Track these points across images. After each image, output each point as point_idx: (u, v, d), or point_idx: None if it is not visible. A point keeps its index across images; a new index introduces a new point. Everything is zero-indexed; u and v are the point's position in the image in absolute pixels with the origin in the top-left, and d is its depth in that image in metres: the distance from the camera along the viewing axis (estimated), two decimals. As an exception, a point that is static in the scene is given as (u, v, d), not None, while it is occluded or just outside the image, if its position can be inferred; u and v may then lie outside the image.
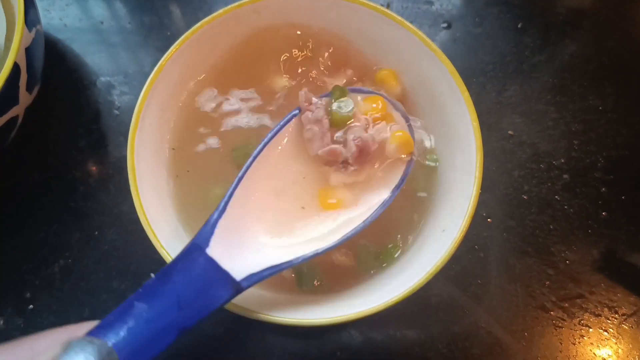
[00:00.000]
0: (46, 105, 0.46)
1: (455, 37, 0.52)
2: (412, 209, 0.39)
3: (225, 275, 0.30)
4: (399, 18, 0.39)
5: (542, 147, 0.48)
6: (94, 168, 0.46)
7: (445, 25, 0.52)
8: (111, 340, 0.24)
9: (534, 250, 0.45)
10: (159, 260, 0.43)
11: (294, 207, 0.35)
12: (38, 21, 0.41)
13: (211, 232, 0.31)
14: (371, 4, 0.40)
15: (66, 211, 0.44)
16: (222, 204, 0.32)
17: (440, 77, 0.39)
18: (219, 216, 0.32)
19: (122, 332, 0.25)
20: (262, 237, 0.33)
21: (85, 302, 0.42)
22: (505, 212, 0.47)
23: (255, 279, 0.31)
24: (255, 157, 0.34)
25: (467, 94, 0.37)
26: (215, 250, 0.31)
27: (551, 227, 0.46)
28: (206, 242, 0.31)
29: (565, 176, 0.48)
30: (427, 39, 0.39)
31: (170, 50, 0.38)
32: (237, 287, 0.30)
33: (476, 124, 0.37)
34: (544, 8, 0.54)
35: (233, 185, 0.34)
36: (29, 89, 0.40)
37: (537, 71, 0.51)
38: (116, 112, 0.48)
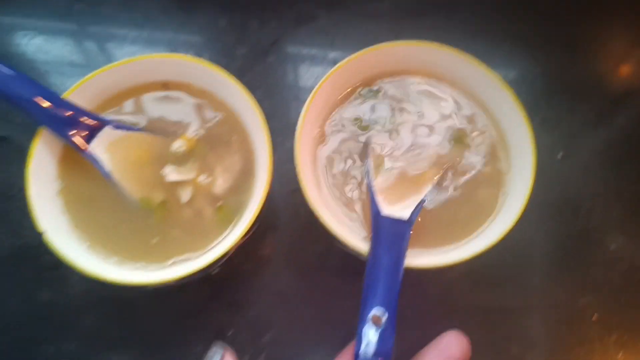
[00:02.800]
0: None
1: (570, 168, 0.65)
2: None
3: (400, 220, 0.50)
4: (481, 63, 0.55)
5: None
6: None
7: (560, 156, 0.66)
8: None
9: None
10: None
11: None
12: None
13: (376, 202, 0.51)
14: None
15: (272, 294, 0.59)
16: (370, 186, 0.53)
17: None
18: (373, 192, 0.52)
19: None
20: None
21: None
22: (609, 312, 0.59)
23: (415, 213, 0.51)
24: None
25: (527, 121, 0.53)
26: (385, 211, 0.51)
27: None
28: (378, 209, 0.51)
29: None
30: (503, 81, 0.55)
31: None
32: (410, 222, 0.50)
33: (532, 137, 0.52)
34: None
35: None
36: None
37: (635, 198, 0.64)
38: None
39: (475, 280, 0.59)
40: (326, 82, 0.55)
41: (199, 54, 0.60)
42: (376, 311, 0.42)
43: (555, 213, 0.62)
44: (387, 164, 0.55)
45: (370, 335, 0.41)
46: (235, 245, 0.50)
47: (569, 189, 0.64)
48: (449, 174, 0.55)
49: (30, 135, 0.51)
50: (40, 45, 0.71)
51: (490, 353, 0.56)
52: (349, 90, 0.59)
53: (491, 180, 0.55)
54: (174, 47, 0.68)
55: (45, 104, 0.51)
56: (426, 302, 0.58)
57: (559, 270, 0.60)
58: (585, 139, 0.67)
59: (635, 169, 0.65)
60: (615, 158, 0.66)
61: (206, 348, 0.56)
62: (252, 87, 0.66)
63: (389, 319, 0.42)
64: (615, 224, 0.62)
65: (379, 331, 0.41)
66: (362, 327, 0.41)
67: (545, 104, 0.68)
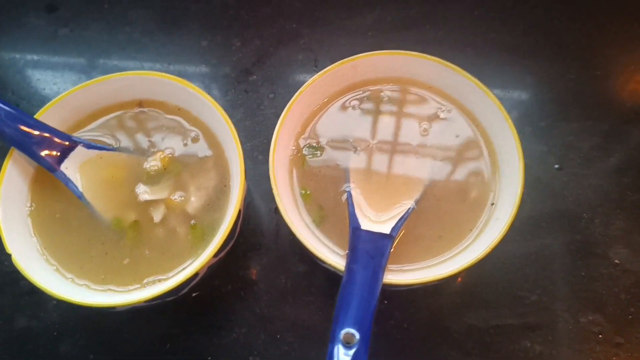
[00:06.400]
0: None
1: (568, 178, 0.62)
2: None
3: (380, 234, 0.48)
4: (471, 76, 0.53)
5: (645, 275, 0.57)
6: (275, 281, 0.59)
7: (557, 166, 0.63)
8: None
9: (642, 366, 0.53)
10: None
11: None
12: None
13: (356, 216, 0.49)
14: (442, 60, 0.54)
15: (254, 316, 0.57)
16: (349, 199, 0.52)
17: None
18: (352, 206, 0.51)
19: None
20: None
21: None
22: (615, 330, 0.55)
23: (397, 227, 0.49)
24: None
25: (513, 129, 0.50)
26: (364, 225, 0.49)
27: (657, 345, 0.54)
28: (357, 223, 0.49)
29: (667, 300, 0.56)
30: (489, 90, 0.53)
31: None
32: (391, 237, 0.48)
33: (519, 146, 0.50)
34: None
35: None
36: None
37: (638, 208, 0.60)
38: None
39: (469, 300, 0.56)
40: (300, 97, 0.54)
41: (181, 75, 0.59)
42: (348, 330, 0.39)
43: (552, 226, 0.59)
44: (367, 176, 0.53)
45: (341, 356, 0.38)
46: (204, 265, 0.47)
47: (566, 200, 0.60)
48: (434, 186, 0.52)
49: (3, 160, 0.50)
50: (23, 69, 0.72)
51: (486, 376, 0.53)
52: (325, 102, 0.57)
53: (479, 191, 0.52)
54: (156, 69, 0.68)
55: (16, 124, 0.50)
56: (417, 322, 0.55)
57: (559, 286, 0.57)
58: (581, 148, 0.64)
59: (636, 178, 0.62)
60: (614, 167, 0.63)
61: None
62: (235, 106, 0.65)
63: (361, 339, 0.39)
64: (618, 237, 0.59)
65: (351, 352, 0.39)
66: (333, 347, 0.39)
67: (539, 113, 0.65)
